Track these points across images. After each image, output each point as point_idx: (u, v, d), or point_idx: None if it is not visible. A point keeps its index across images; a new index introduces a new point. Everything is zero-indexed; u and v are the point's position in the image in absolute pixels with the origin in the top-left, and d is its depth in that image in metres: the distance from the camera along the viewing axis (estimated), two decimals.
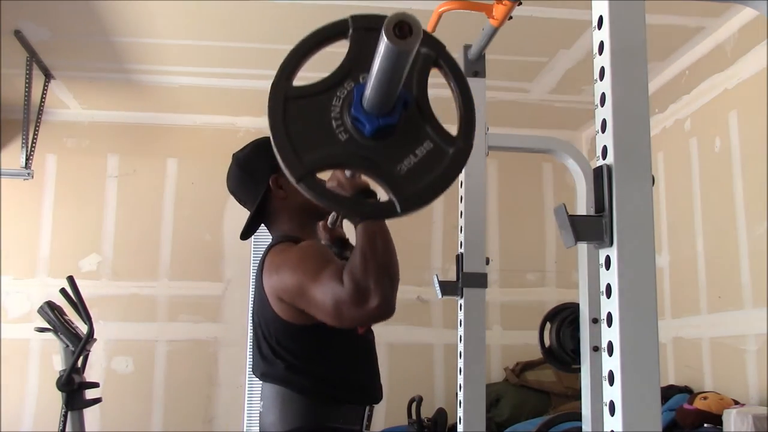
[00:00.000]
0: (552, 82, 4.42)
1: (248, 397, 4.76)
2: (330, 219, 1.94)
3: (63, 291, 3.23)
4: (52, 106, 4.75)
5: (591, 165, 1.68)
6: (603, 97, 0.96)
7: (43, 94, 4.31)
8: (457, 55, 1.98)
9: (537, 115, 4.92)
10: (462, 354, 1.90)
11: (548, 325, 2.17)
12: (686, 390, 3.58)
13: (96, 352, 4.23)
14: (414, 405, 3.46)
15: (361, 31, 1.02)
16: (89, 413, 3.37)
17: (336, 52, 1.07)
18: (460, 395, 1.88)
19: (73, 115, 4.97)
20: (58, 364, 3.54)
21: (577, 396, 2.05)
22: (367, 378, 1.79)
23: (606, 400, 0.89)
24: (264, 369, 1.72)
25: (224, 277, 4.88)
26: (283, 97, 0.98)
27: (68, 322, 3.23)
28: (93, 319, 3.22)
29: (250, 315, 1.85)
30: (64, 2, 3.44)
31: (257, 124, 5.03)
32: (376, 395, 1.80)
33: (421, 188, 0.99)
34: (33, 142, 4.27)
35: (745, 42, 3.47)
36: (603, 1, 0.97)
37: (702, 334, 3.73)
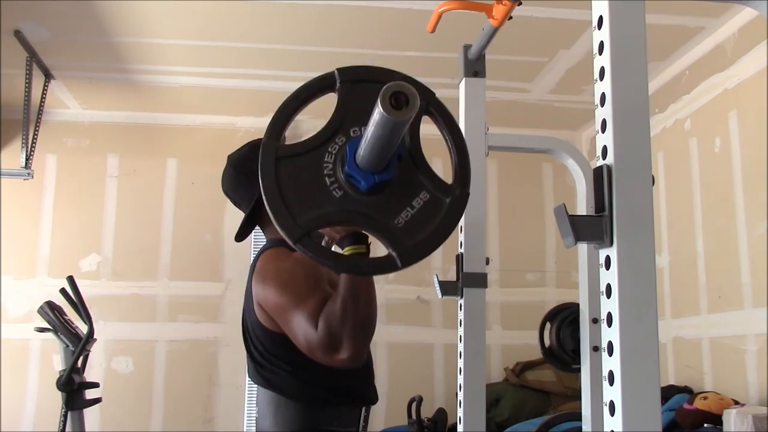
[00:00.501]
0: (552, 82, 4.42)
1: (248, 398, 4.76)
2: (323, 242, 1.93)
3: (63, 291, 3.22)
4: (52, 106, 4.75)
5: (591, 165, 1.68)
6: (603, 97, 0.96)
7: (43, 94, 4.31)
8: (457, 55, 1.98)
9: (537, 115, 4.92)
10: (462, 354, 1.90)
11: (548, 325, 2.17)
12: (686, 390, 3.58)
13: (96, 352, 4.23)
14: (414, 405, 3.46)
15: (348, 84, 1.00)
16: (89, 413, 3.37)
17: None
18: (460, 395, 1.88)
19: (73, 115, 4.97)
20: (58, 364, 3.54)
21: (577, 396, 2.05)
22: (359, 381, 1.77)
23: (606, 400, 0.89)
24: (256, 373, 1.72)
25: (224, 278, 4.88)
26: (275, 158, 0.97)
27: (68, 322, 3.23)
28: (93, 319, 3.22)
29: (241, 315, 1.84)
30: (64, 2, 3.44)
31: (257, 124, 5.03)
32: (370, 397, 1.79)
33: (420, 240, 0.98)
34: (33, 142, 4.27)
35: (745, 42, 3.47)
36: (603, 1, 0.97)
37: (702, 334, 3.73)
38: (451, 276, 1.98)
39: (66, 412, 3.12)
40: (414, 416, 3.44)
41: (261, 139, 1.94)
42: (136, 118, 4.99)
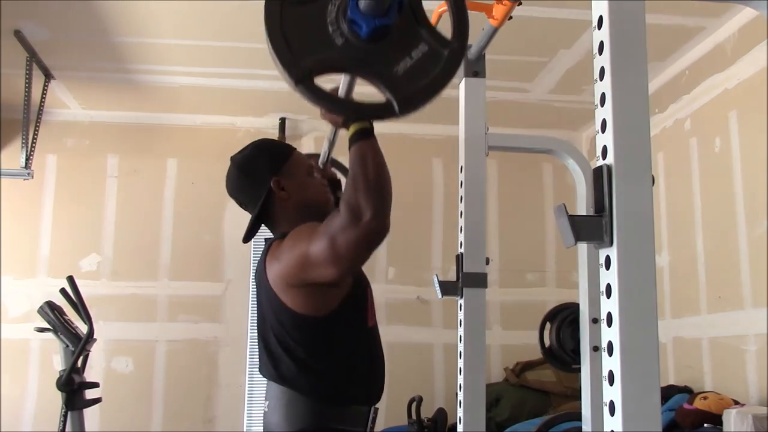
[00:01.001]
0: (552, 82, 4.42)
1: (248, 397, 4.76)
2: (321, 158, 1.94)
3: (63, 291, 3.22)
4: (52, 106, 4.74)
5: (591, 165, 1.68)
6: (603, 97, 0.96)
7: (43, 94, 4.31)
8: None
9: (537, 115, 4.92)
10: (462, 354, 1.90)
11: (548, 325, 2.17)
12: (686, 390, 3.57)
13: (96, 352, 4.23)
14: (414, 405, 3.46)
15: None
16: (89, 413, 3.37)
17: None
18: (460, 395, 1.88)
19: (73, 115, 4.97)
20: (58, 364, 3.53)
21: (577, 396, 2.06)
22: (372, 374, 1.79)
23: (606, 400, 0.89)
24: (271, 368, 1.73)
25: (224, 277, 4.88)
26: (280, 2, 0.99)
27: (68, 322, 3.23)
28: (93, 319, 3.22)
29: (254, 314, 1.85)
30: (64, 2, 3.44)
31: (257, 124, 5.03)
32: (379, 394, 1.80)
33: (418, 89, 1.00)
34: (33, 142, 4.27)
35: (745, 42, 3.47)
36: (603, 1, 0.97)
37: (702, 333, 3.73)
38: (451, 276, 1.99)
39: (66, 412, 3.13)
40: (414, 416, 3.44)
41: (263, 139, 1.94)
42: (136, 118, 4.99)
